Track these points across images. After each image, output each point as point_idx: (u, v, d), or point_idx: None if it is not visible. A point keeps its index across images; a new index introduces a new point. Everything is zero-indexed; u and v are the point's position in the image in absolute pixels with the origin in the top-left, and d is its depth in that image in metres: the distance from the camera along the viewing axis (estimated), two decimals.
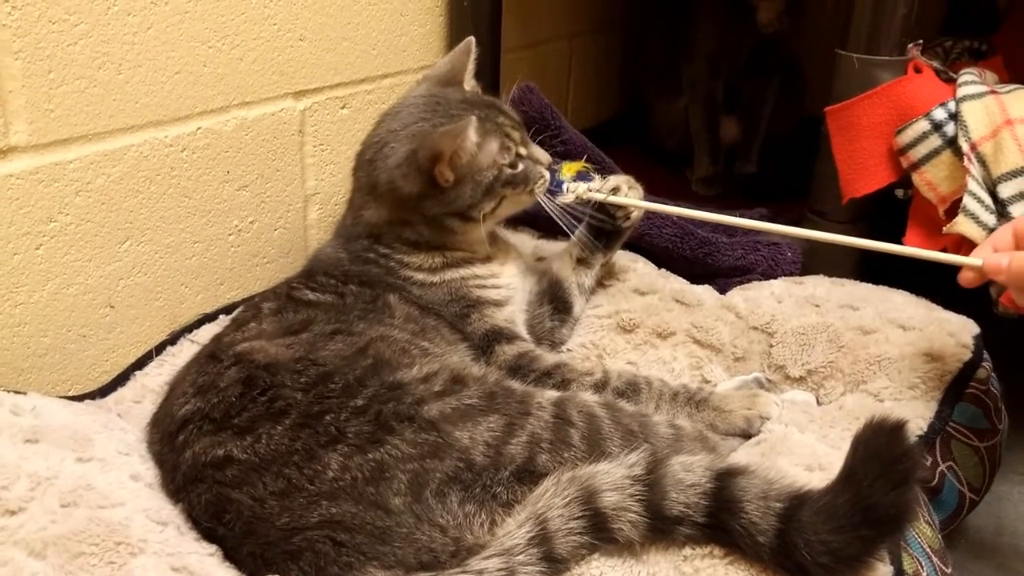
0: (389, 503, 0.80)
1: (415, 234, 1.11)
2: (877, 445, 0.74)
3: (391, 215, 1.11)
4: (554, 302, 1.23)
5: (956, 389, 0.97)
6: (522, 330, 1.15)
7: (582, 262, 1.25)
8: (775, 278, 1.25)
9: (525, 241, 1.40)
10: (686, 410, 0.99)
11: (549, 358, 1.07)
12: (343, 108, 1.40)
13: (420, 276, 1.10)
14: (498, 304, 1.12)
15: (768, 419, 0.96)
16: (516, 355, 1.06)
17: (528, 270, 1.23)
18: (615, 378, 1.02)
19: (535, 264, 1.28)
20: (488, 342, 1.08)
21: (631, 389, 1.01)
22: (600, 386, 1.01)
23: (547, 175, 1.14)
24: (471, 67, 1.19)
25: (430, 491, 0.81)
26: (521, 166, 1.11)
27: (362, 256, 1.12)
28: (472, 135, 1.03)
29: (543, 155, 1.15)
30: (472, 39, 1.20)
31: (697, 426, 0.96)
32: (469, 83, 1.19)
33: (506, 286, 1.15)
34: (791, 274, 1.27)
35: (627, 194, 1.19)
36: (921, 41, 1.23)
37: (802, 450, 0.87)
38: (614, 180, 1.19)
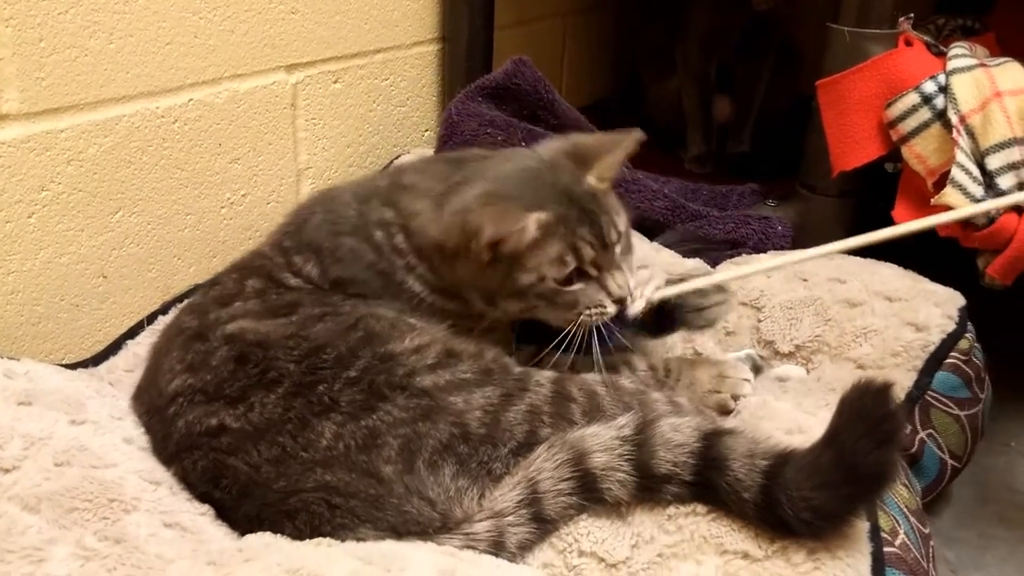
0: (380, 471, 0.81)
1: (434, 274, 0.97)
2: (862, 406, 0.75)
3: (423, 245, 0.96)
4: None
5: (937, 359, 0.98)
6: None
7: None
8: (765, 251, 1.26)
9: None
10: (658, 384, 0.99)
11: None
12: (335, 82, 1.40)
13: (418, 288, 0.98)
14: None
15: (740, 398, 0.96)
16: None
17: None
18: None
19: None
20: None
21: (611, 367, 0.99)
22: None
23: (611, 310, 0.94)
24: (616, 162, 0.98)
25: (422, 460, 0.82)
26: (577, 287, 0.93)
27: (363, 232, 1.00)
28: (529, 232, 0.89)
29: (619, 289, 0.94)
30: (638, 134, 1.00)
31: (694, 402, 0.96)
32: (608, 175, 0.98)
33: None
34: (781, 247, 1.28)
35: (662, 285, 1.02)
36: (912, 15, 1.24)
37: (782, 415, 0.88)
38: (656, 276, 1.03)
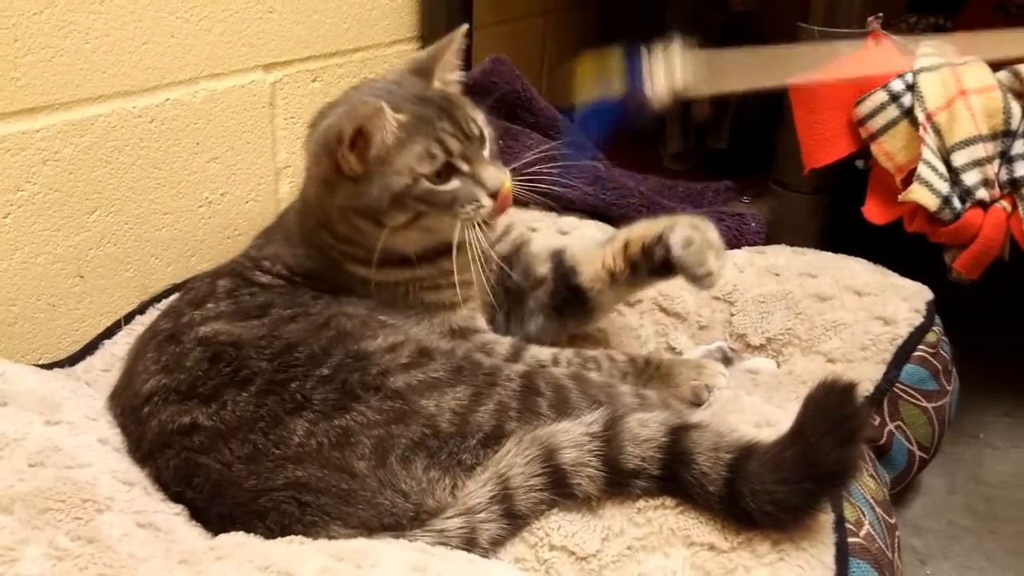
0: (353, 467, 0.82)
1: (333, 229, 1.00)
2: (827, 404, 0.77)
3: (316, 200, 1.00)
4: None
5: (905, 352, 1.00)
6: (481, 321, 1.07)
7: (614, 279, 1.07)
8: (740, 248, 1.28)
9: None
10: (635, 378, 1.01)
11: (504, 343, 1.03)
12: (314, 81, 1.40)
13: (363, 272, 1.00)
14: (452, 307, 1.03)
15: (715, 388, 0.98)
16: (474, 347, 1.01)
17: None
18: (565, 363, 1.01)
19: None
20: (451, 335, 1.03)
21: (582, 359, 1.02)
22: (554, 360, 1.01)
23: (487, 203, 0.95)
24: (451, 60, 1.04)
25: (395, 456, 0.83)
26: (452, 184, 0.95)
27: (309, 239, 1.03)
28: (379, 122, 0.91)
29: (493, 179, 0.96)
30: (464, 28, 1.06)
31: (661, 395, 0.98)
32: (450, 76, 1.04)
33: (462, 282, 1.01)
34: (755, 244, 1.29)
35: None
36: (881, 14, 1.25)
37: (751, 409, 0.90)
38: None
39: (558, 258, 1.12)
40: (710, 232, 0.98)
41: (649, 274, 1.04)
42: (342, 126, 0.91)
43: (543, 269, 1.12)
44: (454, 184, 0.95)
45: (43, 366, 1.07)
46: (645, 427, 0.82)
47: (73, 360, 1.10)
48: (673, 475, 0.79)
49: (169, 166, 1.21)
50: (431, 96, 0.99)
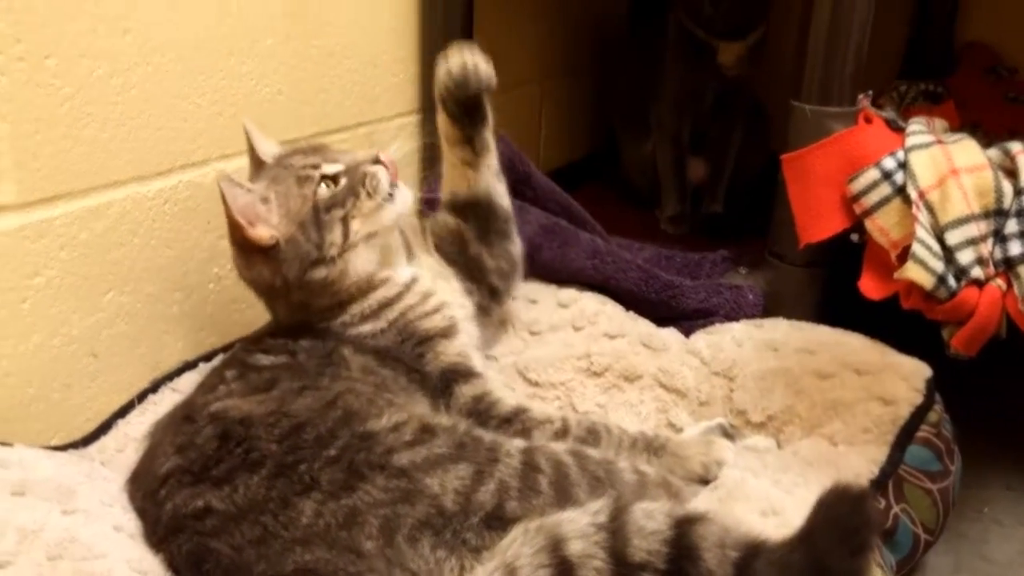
0: (361, 547, 0.84)
1: (296, 297, 1.09)
2: (838, 511, 0.77)
3: (281, 292, 1.10)
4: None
5: (908, 433, 1.01)
6: (476, 361, 1.14)
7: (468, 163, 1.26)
8: (737, 320, 1.30)
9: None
10: (644, 457, 1.03)
11: (508, 402, 1.09)
12: None
13: (367, 328, 1.10)
14: (446, 335, 1.12)
15: (724, 464, 1.00)
16: (474, 397, 1.08)
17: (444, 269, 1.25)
18: (575, 426, 1.05)
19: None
20: (446, 382, 1.10)
21: (591, 437, 1.04)
22: (561, 434, 1.04)
23: (380, 173, 1.09)
24: (256, 143, 1.15)
25: (402, 536, 0.85)
26: (342, 180, 1.08)
27: (291, 318, 1.13)
28: (233, 196, 1.03)
29: (365, 154, 1.11)
30: (245, 122, 1.17)
31: (661, 472, 1.00)
32: (270, 150, 1.16)
33: (445, 304, 1.15)
34: (752, 316, 1.32)
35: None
36: (871, 92, 1.29)
37: (757, 495, 0.91)
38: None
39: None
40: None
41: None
42: (234, 215, 1.04)
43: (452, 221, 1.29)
44: (343, 179, 1.08)
45: (58, 447, 1.08)
46: (651, 519, 0.82)
47: (87, 440, 1.11)
48: (679, 570, 0.79)
49: (180, 244, 1.24)
50: (272, 164, 1.13)
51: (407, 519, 0.85)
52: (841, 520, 0.76)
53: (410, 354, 1.10)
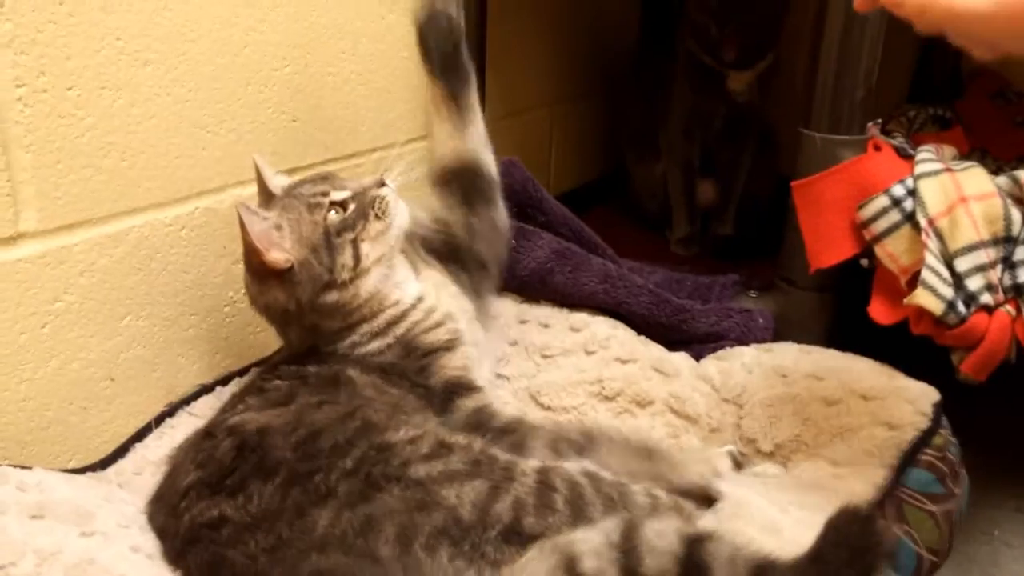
0: (378, 552, 0.84)
1: (309, 320, 1.12)
2: (848, 533, 0.78)
3: (295, 316, 1.12)
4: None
5: (909, 456, 1.02)
6: (477, 374, 1.16)
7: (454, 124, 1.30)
8: (747, 344, 1.31)
9: (507, 305, 1.45)
10: (638, 460, 1.03)
11: (505, 413, 1.10)
12: None
13: (374, 345, 1.13)
14: (449, 348, 1.14)
15: (720, 475, 1.01)
16: (474, 409, 1.10)
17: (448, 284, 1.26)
18: (571, 431, 1.06)
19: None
20: (448, 396, 1.11)
21: (586, 439, 1.05)
22: (556, 438, 1.05)
23: (386, 193, 1.13)
24: (266, 176, 1.18)
25: (419, 544, 0.85)
26: (351, 208, 1.11)
27: (302, 344, 1.15)
28: (251, 222, 1.05)
29: (370, 179, 1.14)
30: (254, 157, 1.19)
31: (672, 496, 1.01)
32: (280, 182, 1.19)
33: (449, 316, 1.17)
34: (763, 340, 1.32)
35: None
36: (880, 120, 1.31)
37: (758, 514, 0.92)
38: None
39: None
40: None
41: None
42: (253, 242, 1.06)
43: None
44: (351, 205, 1.11)
45: (75, 470, 1.10)
46: (662, 538, 0.84)
47: (104, 463, 1.13)
48: None
49: (196, 270, 1.26)
50: (282, 193, 1.16)
51: (424, 527, 0.86)
52: (850, 541, 0.77)
53: (413, 368, 1.12)
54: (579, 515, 0.90)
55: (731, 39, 1.69)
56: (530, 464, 0.96)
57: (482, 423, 1.08)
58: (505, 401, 1.24)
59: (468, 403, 1.11)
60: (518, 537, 0.88)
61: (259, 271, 1.10)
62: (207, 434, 1.01)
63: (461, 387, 1.12)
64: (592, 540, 0.85)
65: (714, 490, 1.02)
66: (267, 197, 1.17)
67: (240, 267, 1.32)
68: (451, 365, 1.13)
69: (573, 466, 0.99)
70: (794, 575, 0.78)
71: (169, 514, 0.96)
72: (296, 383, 1.07)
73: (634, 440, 1.07)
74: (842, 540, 0.78)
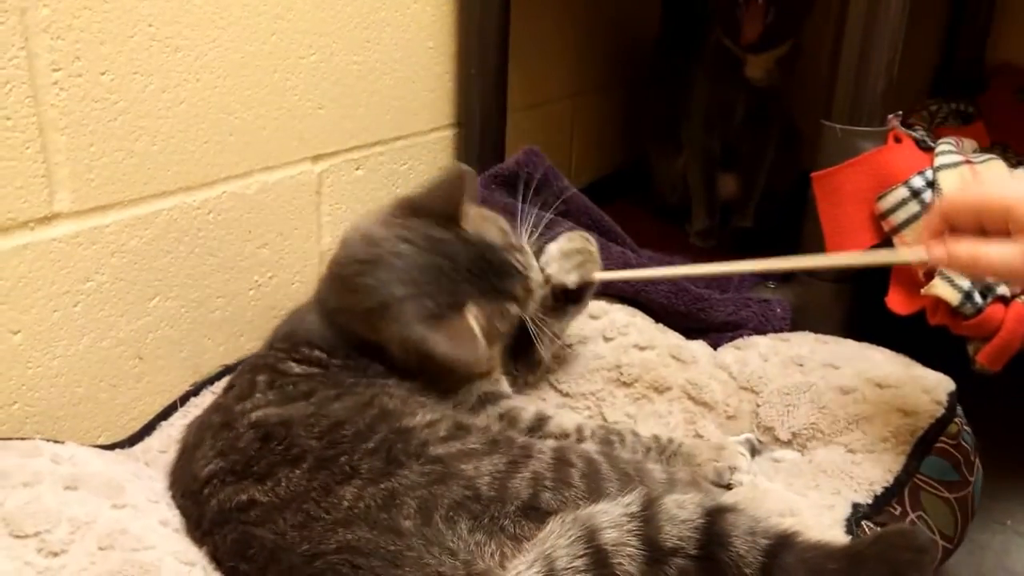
0: (400, 526, 0.86)
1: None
2: (898, 552, 0.78)
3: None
4: None
5: (925, 443, 1.03)
6: (505, 385, 1.17)
7: None
8: (765, 333, 1.32)
9: None
10: (657, 461, 1.05)
11: (529, 411, 1.11)
12: (357, 169, 1.48)
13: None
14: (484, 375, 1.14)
15: (737, 470, 1.02)
16: (500, 414, 1.11)
17: None
18: (590, 434, 1.08)
19: None
20: (480, 404, 1.12)
21: (605, 443, 1.07)
22: (579, 441, 1.07)
23: (535, 289, 1.11)
24: (470, 197, 1.09)
25: (439, 516, 0.87)
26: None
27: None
28: (477, 333, 1.03)
29: (539, 274, 1.13)
30: (464, 169, 1.09)
31: (690, 473, 1.02)
32: (474, 219, 1.09)
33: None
34: (780, 330, 1.33)
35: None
36: (900, 112, 1.31)
37: (775, 497, 0.93)
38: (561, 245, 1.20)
39: None
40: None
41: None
42: (440, 351, 1.01)
43: None
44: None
45: (105, 446, 1.13)
46: (682, 508, 0.85)
47: (132, 440, 1.16)
48: (710, 555, 0.81)
49: (223, 253, 1.29)
50: (476, 257, 1.06)
51: (443, 499, 0.88)
52: (897, 561, 0.77)
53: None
54: (596, 491, 0.92)
55: (756, 14, 1.69)
56: (547, 443, 0.98)
57: (507, 425, 1.10)
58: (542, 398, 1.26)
59: (495, 410, 1.12)
60: (536, 513, 0.89)
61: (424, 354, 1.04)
62: (224, 424, 1.01)
63: (491, 395, 1.13)
64: (611, 512, 0.86)
65: (728, 482, 1.03)
66: (447, 217, 1.07)
67: (265, 251, 1.35)
68: (483, 385, 1.14)
69: (590, 445, 1.01)
70: (818, 558, 0.78)
71: (189, 498, 0.98)
72: (313, 375, 1.07)
73: (651, 441, 1.09)
74: (888, 556, 0.78)
